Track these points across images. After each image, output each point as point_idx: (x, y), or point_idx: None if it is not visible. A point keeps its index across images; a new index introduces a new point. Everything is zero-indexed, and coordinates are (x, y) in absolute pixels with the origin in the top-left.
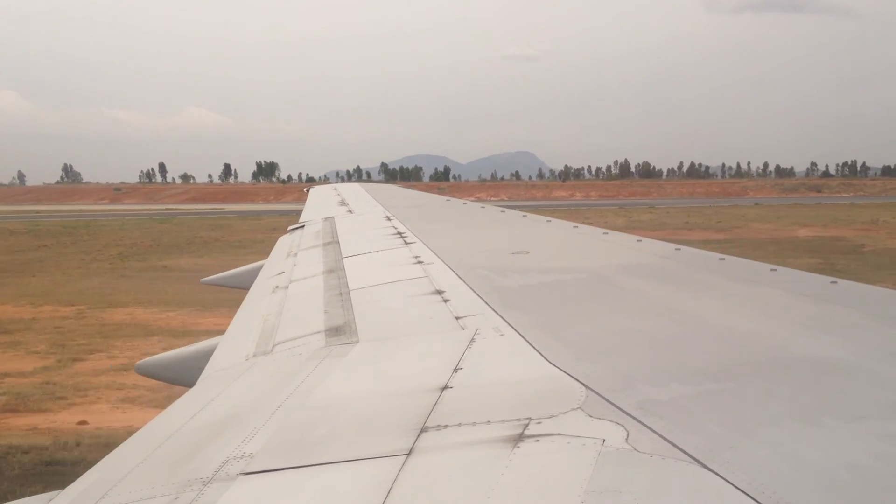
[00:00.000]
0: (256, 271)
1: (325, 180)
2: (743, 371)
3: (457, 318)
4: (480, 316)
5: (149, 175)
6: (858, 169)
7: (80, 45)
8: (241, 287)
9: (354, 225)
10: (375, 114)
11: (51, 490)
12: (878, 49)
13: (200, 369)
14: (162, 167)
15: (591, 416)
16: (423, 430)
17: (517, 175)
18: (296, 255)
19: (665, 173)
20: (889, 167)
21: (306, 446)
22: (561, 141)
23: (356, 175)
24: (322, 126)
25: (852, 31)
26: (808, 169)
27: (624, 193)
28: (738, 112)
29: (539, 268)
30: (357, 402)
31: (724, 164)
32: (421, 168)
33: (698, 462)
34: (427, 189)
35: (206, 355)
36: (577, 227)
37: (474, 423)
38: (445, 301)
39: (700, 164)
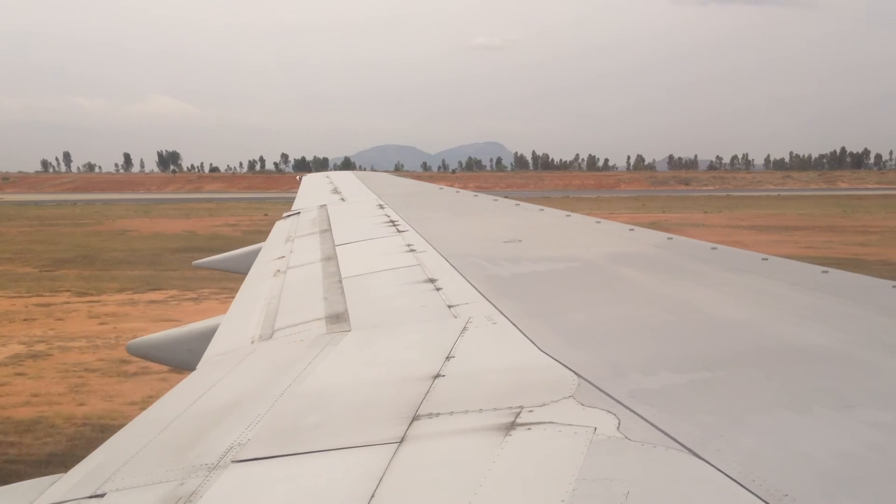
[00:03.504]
0: (249, 255)
1: (229, 170)
2: (734, 360)
3: (449, 307)
4: (473, 304)
5: (45, 164)
6: (751, 161)
7: (41, 26)
8: (232, 270)
9: (347, 213)
10: (344, 103)
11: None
12: (840, 40)
13: (194, 351)
14: (67, 156)
15: (582, 405)
16: (416, 417)
17: (498, 163)
18: (293, 240)
19: (568, 166)
20: (776, 160)
21: (299, 434)
22: (530, 132)
23: (260, 164)
24: (288, 115)
25: (814, 23)
26: (712, 161)
27: (501, 185)
28: (711, 105)
29: (531, 256)
30: (350, 390)
31: (628, 157)
32: (327, 158)
33: (689, 450)
34: None
35: (200, 336)
36: (569, 215)
37: (466, 412)
38: (438, 289)
39: (598, 158)
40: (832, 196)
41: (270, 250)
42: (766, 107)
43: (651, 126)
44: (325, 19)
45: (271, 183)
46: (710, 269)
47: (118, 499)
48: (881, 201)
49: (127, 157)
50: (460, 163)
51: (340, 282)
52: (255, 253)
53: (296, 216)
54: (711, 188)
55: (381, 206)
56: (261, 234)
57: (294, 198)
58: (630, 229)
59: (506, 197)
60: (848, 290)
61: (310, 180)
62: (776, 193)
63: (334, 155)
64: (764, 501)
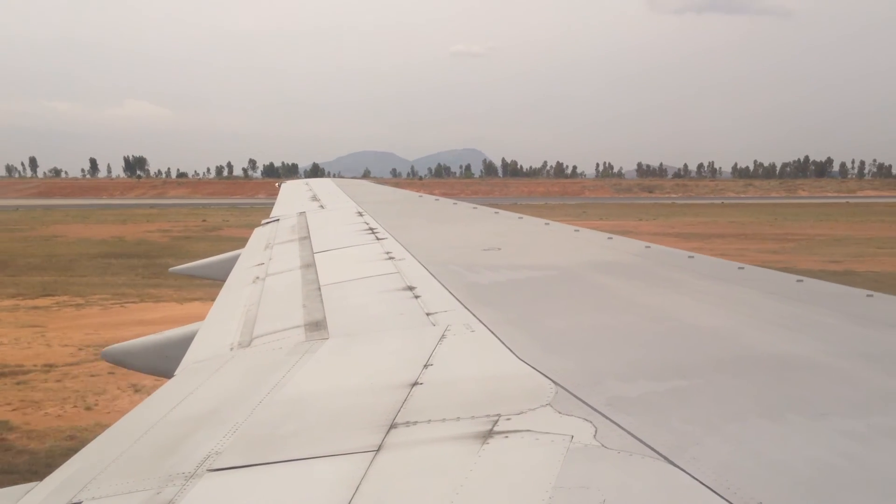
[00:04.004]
0: (227, 262)
1: (197, 175)
2: (710, 368)
3: (427, 315)
4: (451, 312)
5: (9, 169)
6: (717, 169)
7: (24, 31)
8: (210, 277)
9: (326, 220)
10: (323, 110)
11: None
12: (810, 52)
13: (171, 357)
14: (32, 161)
15: (559, 413)
16: (393, 426)
17: (467, 170)
18: (272, 247)
19: (536, 173)
20: (741, 169)
21: (276, 443)
22: (509, 139)
23: (228, 170)
24: (268, 121)
25: (790, 32)
26: (678, 170)
27: (467, 192)
28: (684, 115)
29: (510, 264)
30: (327, 398)
31: (597, 165)
32: (296, 164)
33: (665, 458)
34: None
35: (178, 343)
36: (548, 224)
37: (444, 420)
38: (416, 297)
39: (566, 165)
40: (774, 204)
41: (249, 257)
42: (738, 116)
43: (623, 135)
44: (308, 26)
45: (236, 189)
46: (687, 277)
47: None
48: (820, 209)
49: (93, 162)
50: (430, 169)
51: (319, 289)
52: (234, 260)
53: (275, 223)
54: (674, 196)
55: (361, 214)
56: (189, 240)
57: (252, 204)
58: (608, 238)
59: (475, 205)
60: (822, 298)
61: (289, 187)
62: (720, 202)
63: (311, 161)
64: None
